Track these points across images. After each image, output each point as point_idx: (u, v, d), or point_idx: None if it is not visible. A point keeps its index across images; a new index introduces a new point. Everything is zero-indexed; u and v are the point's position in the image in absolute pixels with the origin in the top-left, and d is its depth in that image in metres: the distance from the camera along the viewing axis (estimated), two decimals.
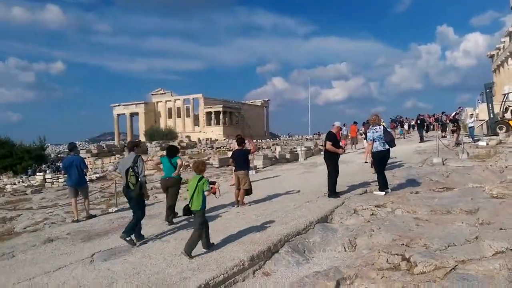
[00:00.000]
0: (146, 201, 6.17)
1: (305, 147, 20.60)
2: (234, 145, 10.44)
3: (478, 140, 17.30)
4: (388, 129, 9.60)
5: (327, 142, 7.89)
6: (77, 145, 10.53)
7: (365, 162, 12.96)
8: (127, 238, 5.61)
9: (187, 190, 5.29)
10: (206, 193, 5.00)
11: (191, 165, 21.70)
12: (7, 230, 8.67)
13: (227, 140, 46.44)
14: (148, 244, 5.61)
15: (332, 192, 7.84)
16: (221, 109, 65.17)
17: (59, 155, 51.69)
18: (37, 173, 27.54)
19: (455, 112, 24.95)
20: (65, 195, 14.20)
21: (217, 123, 65.18)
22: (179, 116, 68.53)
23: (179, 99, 69.05)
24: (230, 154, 13.39)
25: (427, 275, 3.83)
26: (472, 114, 21.34)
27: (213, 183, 5.24)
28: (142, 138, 56.47)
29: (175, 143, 34.63)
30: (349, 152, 17.67)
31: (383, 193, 7.72)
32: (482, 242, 4.38)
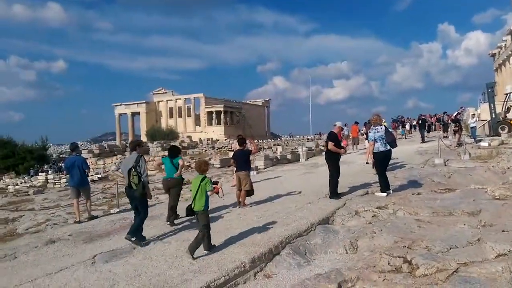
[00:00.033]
0: (148, 201, 6.19)
1: (306, 147, 20.58)
2: (235, 146, 10.43)
3: (480, 140, 17.25)
4: (389, 130, 9.59)
5: (329, 142, 7.87)
6: (79, 145, 10.53)
7: (367, 163, 12.94)
8: (132, 239, 5.66)
9: (190, 190, 5.30)
10: (209, 193, 5.02)
11: (192, 166, 21.75)
12: (10, 231, 8.68)
13: (228, 140, 46.44)
14: (149, 246, 5.62)
15: (334, 193, 7.82)
16: (222, 109, 65.21)
17: (61, 155, 51.73)
18: (39, 174, 27.58)
19: (456, 112, 24.92)
20: (67, 195, 14.22)
21: (218, 123, 65.21)
22: (180, 115, 68.61)
23: (180, 99, 69.12)
24: (231, 154, 13.38)
25: (429, 278, 3.82)
26: (474, 114, 21.25)
27: (216, 183, 5.27)
28: (143, 138, 56.51)
29: (177, 144, 34.67)
30: (350, 153, 17.64)
31: (385, 194, 7.71)
32: (485, 244, 4.37)
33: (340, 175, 8.07)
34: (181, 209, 7.34)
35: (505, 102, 21.40)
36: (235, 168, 8.51)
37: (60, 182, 21.79)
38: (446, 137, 20.90)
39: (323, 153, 11.90)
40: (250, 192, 7.93)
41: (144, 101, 70.78)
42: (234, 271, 4.32)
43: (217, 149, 36.96)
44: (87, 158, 29.87)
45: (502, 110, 21.10)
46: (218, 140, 51.53)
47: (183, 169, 7.54)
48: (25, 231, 8.32)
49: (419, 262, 4.09)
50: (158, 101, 71.09)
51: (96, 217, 8.54)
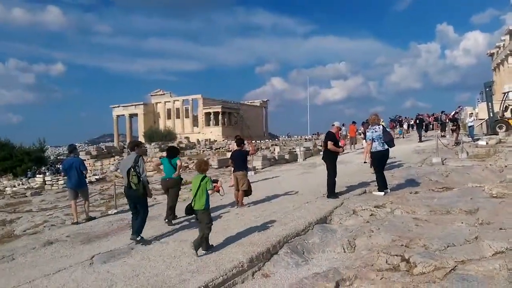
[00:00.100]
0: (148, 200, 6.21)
1: (304, 147, 20.60)
2: (233, 146, 10.45)
3: (477, 139, 17.30)
4: (387, 129, 9.60)
5: (329, 142, 7.87)
6: (77, 147, 10.51)
7: (364, 162, 12.96)
8: (138, 238, 5.71)
9: (190, 190, 5.32)
10: (209, 192, 5.05)
11: (190, 166, 21.72)
12: (7, 232, 8.65)
13: (226, 140, 46.43)
14: (147, 246, 5.60)
15: (331, 192, 7.83)
16: (220, 110, 65.18)
17: (58, 157, 51.67)
18: (37, 175, 27.52)
19: (454, 111, 24.99)
20: (64, 197, 14.19)
21: (216, 124, 65.18)
22: (178, 117, 68.54)
23: (178, 100, 69.05)
24: (229, 155, 13.39)
25: (426, 276, 3.83)
26: (472, 113, 21.35)
27: (216, 181, 5.30)
28: (141, 139, 56.47)
29: (175, 145, 34.63)
30: (348, 152, 17.66)
31: (382, 193, 7.72)
32: (482, 242, 4.38)
33: (338, 175, 8.08)
34: (179, 209, 7.36)
35: (503, 101, 21.50)
36: (233, 168, 8.51)
37: (57, 184, 21.70)
38: (444, 136, 20.96)
39: (321, 152, 11.91)
40: (248, 192, 7.93)
41: (142, 103, 70.68)
42: (232, 270, 4.31)
43: (215, 150, 36.92)
44: (85, 160, 29.78)
45: (499, 109, 21.20)
46: (216, 141, 51.50)
47: (181, 170, 7.56)
48: (22, 232, 8.30)
49: (416, 261, 4.10)
50: (156, 103, 71.02)
51: (94, 218, 8.53)
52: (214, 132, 63.03)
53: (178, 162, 7.29)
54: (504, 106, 21.30)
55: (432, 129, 29.16)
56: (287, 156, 19.43)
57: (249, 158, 9.25)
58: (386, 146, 7.94)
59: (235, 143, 9.11)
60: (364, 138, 13.21)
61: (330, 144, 7.84)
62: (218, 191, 5.45)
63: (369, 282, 3.86)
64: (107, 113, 73.29)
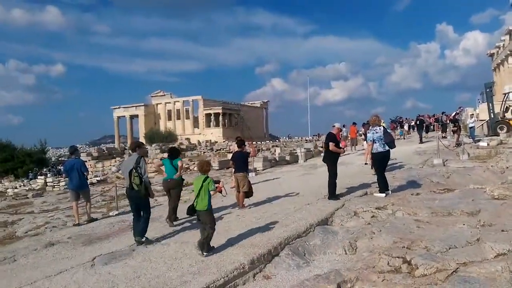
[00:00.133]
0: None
1: (304, 148, 20.61)
2: (234, 147, 10.45)
3: (478, 140, 17.28)
4: (388, 130, 9.60)
5: (330, 143, 7.86)
6: (78, 148, 10.53)
7: (365, 164, 12.95)
8: (143, 240, 5.76)
9: (192, 191, 5.35)
10: (212, 192, 5.07)
11: (191, 168, 21.72)
12: (9, 234, 8.66)
13: (227, 142, 46.45)
14: (148, 248, 5.61)
15: (332, 194, 7.83)
16: (220, 111, 65.22)
17: (60, 159, 51.77)
18: (38, 177, 27.55)
19: (455, 112, 24.94)
20: (66, 198, 14.21)
21: (217, 125, 65.22)
22: (178, 118, 68.60)
23: (178, 101, 69.11)
24: (230, 156, 13.37)
25: (428, 278, 3.82)
26: (473, 114, 21.33)
27: (218, 182, 5.32)
28: (142, 141, 56.44)
29: (175, 145, 34.65)
30: (348, 154, 17.64)
31: (384, 195, 7.71)
32: (484, 244, 4.37)
33: (339, 176, 8.07)
34: (180, 210, 7.37)
35: (504, 102, 21.46)
36: (233, 170, 8.52)
37: (59, 185, 21.75)
38: (444, 137, 20.94)
39: (322, 154, 11.91)
40: (249, 194, 7.93)
41: (142, 104, 70.76)
42: (233, 272, 4.32)
43: (215, 151, 36.95)
44: (86, 161, 29.83)
45: (500, 109, 21.15)
46: (217, 142, 51.56)
47: (182, 170, 7.60)
48: (24, 234, 8.30)
49: (418, 262, 4.09)
50: (157, 104, 71.10)
51: (96, 219, 8.55)
52: (215, 133, 63.06)
53: (179, 163, 7.33)
54: (505, 107, 21.26)
55: (433, 130, 29.12)
56: (288, 158, 19.43)
57: (249, 159, 9.25)
58: (387, 147, 7.93)
59: (235, 144, 9.12)
60: (365, 139, 13.20)
61: (331, 145, 7.83)
62: (220, 192, 5.51)
63: (370, 284, 3.86)
64: (108, 114, 73.48)
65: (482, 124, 23.12)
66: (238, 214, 7.35)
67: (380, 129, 8.06)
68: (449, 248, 4.46)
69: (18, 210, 13.08)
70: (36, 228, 8.73)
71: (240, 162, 8.07)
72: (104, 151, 43.49)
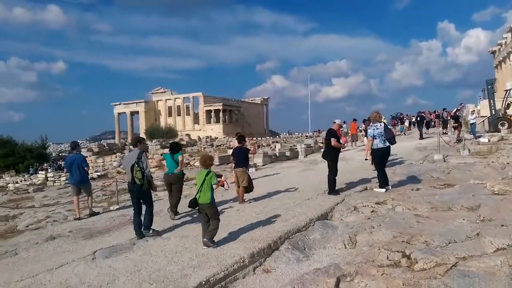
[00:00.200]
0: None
1: (305, 144, 20.62)
2: (234, 143, 10.46)
3: (479, 136, 17.26)
4: (389, 126, 9.58)
5: (332, 139, 7.86)
6: (79, 143, 10.55)
7: (365, 159, 12.95)
8: (150, 232, 5.89)
9: (195, 184, 5.41)
10: (214, 186, 5.13)
11: (191, 163, 21.73)
12: (10, 228, 8.70)
13: (227, 138, 46.43)
14: (149, 242, 5.63)
15: (332, 189, 7.84)
16: (221, 107, 65.14)
17: (60, 154, 51.81)
18: (39, 172, 27.62)
19: (456, 109, 24.88)
20: (66, 193, 14.25)
21: (217, 121, 65.15)
22: (179, 114, 68.54)
23: (179, 98, 69.03)
24: (230, 152, 13.39)
25: (427, 272, 3.83)
26: (474, 110, 21.28)
27: (220, 176, 5.38)
28: (142, 137, 56.41)
29: (177, 140, 34.66)
30: (349, 150, 17.65)
31: (384, 190, 7.72)
32: (483, 239, 4.38)
33: (339, 172, 8.08)
34: (181, 205, 7.39)
35: (505, 99, 21.42)
36: (234, 165, 8.54)
37: (59, 180, 21.82)
38: (445, 133, 20.91)
39: (322, 150, 11.91)
40: (249, 188, 7.94)
41: (143, 100, 70.72)
42: (233, 266, 4.33)
43: (216, 147, 36.96)
44: (87, 156, 29.87)
45: (502, 106, 21.11)
46: (217, 138, 51.52)
47: (183, 165, 7.65)
48: (25, 228, 8.34)
49: (417, 257, 4.10)
50: (157, 100, 71.02)
51: (98, 213, 8.60)
52: (215, 130, 63.02)
53: (180, 158, 7.39)
54: (506, 103, 21.21)
55: (434, 126, 29.07)
56: (288, 153, 19.44)
57: (250, 154, 9.28)
58: (387, 143, 7.92)
59: (236, 140, 9.13)
60: (366, 136, 13.19)
61: (333, 141, 7.83)
62: (223, 186, 5.60)
63: (370, 278, 3.87)
64: (108, 111, 73.48)
65: (483, 121, 23.08)
66: (238, 209, 7.36)
67: (381, 125, 8.06)
68: (449, 243, 4.46)
69: (19, 204, 13.12)
70: (37, 222, 8.76)
71: (241, 158, 8.09)
72: (104, 146, 43.51)
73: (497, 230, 4.63)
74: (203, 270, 4.23)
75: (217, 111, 65.43)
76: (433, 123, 29.53)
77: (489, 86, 21.03)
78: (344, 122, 21.27)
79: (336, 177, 7.94)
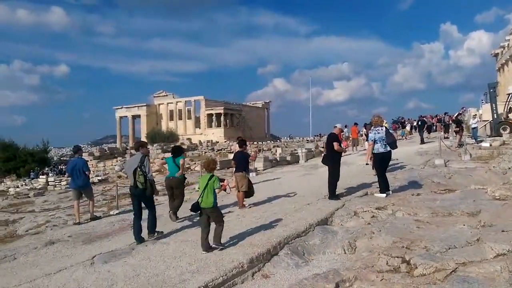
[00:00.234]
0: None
1: (305, 149, 20.59)
2: (235, 147, 10.47)
3: (481, 141, 17.20)
4: (390, 131, 9.56)
5: (335, 143, 7.82)
6: (82, 147, 10.61)
7: (366, 164, 12.91)
8: (155, 235, 6.01)
9: (195, 189, 5.45)
10: (217, 190, 5.17)
11: (192, 168, 21.72)
12: (10, 232, 8.70)
13: (228, 142, 46.46)
14: (148, 247, 5.62)
15: (333, 194, 7.81)
16: (222, 111, 65.21)
17: (62, 158, 51.94)
18: (40, 176, 27.67)
19: (457, 113, 24.85)
20: (67, 197, 14.27)
21: (218, 125, 65.19)
22: (180, 118, 68.68)
23: (180, 101, 69.20)
24: (231, 156, 13.38)
25: (427, 278, 3.81)
26: (476, 114, 21.18)
27: (223, 180, 5.45)
28: (144, 141, 56.44)
29: (179, 144, 34.67)
30: (350, 154, 17.62)
31: (384, 195, 7.69)
32: (484, 244, 4.35)
33: (340, 177, 8.06)
34: (180, 210, 7.39)
35: (507, 103, 21.34)
36: (234, 169, 8.54)
37: (60, 185, 21.83)
38: (447, 137, 20.85)
39: (323, 154, 11.89)
40: (249, 193, 7.93)
41: (145, 104, 70.94)
42: (232, 271, 4.31)
43: (216, 151, 36.98)
44: (88, 161, 29.90)
45: (504, 110, 21.03)
46: (218, 142, 51.52)
47: (184, 169, 7.69)
48: (25, 232, 8.34)
49: (417, 262, 4.08)
50: (159, 104, 71.23)
51: (100, 217, 8.61)
52: (216, 134, 63.05)
53: (181, 161, 7.42)
54: (509, 107, 21.14)
55: (435, 130, 29.02)
56: (288, 158, 19.43)
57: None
58: (388, 148, 7.89)
59: (237, 145, 9.15)
60: (367, 140, 13.16)
61: (336, 145, 7.80)
62: (225, 190, 5.63)
63: (369, 283, 3.85)
64: (110, 114, 73.75)
65: (485, 125, 23.00)
66: (238, 214, 7.35)
67: (382, 129, 8.02)
68: (449, 248, 4.44)
69: (19, 209, 13.13)
70: (36, 227, 8.77)
71: (242, 162, 8.08)
72: (106, 151, 43.53)
73: (498, 236, 4.60)
74: (202, 275, 4.22)
75: (218, 115, 65.51)
76: (434, 127, 29.49)
77: (491, 90, 20.96)
78: (346, 126, 21.27)
79: (337, 182, 7.92)
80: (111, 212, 9.28)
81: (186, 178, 8.03)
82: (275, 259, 4.83)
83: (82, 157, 9.03)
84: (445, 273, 3.81)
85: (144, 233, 6.03)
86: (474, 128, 18.43)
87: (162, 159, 13.11)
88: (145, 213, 6.17)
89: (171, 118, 69.43)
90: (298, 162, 18.68)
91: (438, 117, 31.28)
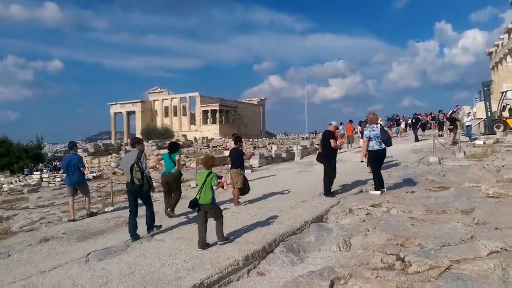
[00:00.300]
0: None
1: (301, 146, 20.63)
2: (231, 144, 10.47)
3: (475, 139, 17.32)
4: (385, 128, 9.59)
5: (331, 140, 7.82)
6: (77, 143, 10.55)
7: (361, 161, 12.96)
8: (154, 229, 6.07)
9: (191, 186, 5.46)
10: (214, 187, 5.21)
11: (187, 164, 21.68)
12: (4, 229, 8.64)
13: (223, 139, 46.40)
14: (143, 244, 5.61)
15: (328, 191, 7.84)
16: (217, 108, 65.09)
17: (56, 154, 51.59)
18: (34, 172, 27.48)
19: (452, 111, 25.00)
20: (61, 194, 14.18)
21: (214, 122, 65.09)
22: (175, 114, 68.45)
23: (175, 98, 68.96)
24: (226, 153, 13.36)
25: (421, 275, 3.84)
26: (470, 112, 21.33)
27: (220, 177, 5.48)
28: (140, 137, 56.22)
29: (175, 140, 34.58)
30: (345, 151, 17.68)
31: (379, 192, 7.73)
32: (477, 242, 4.39)
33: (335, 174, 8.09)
34: (176, 207, 7.37)
35: (501, 101, 21.51)
36: (230, 166, 8.53)
37: (54, 181, 21.71)
38: (441, 135, 20.98)
39: (318, 151, 11.91)
40: (245, 190, 7.93)
41: (139, 100, 70.61)
42: (227, 268, 4.32)
43: (212, 148, 36.94)
44: (82, 157, 29.75)
45: (498, 108, 21.20)
46: (213, 139, 51.48)
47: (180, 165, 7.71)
48: (19, 229, 8.29)
49: (411, 260, 4.11)
50: (154, 100, 70.92)
51: (96, 213, 8.58)
52: (212, 130, 62.97)
53: (177, 157, 7.44)
54: (502, 105, 21.31)
55: (430, 128, 29.18)
56: (284, 155, 19.45)
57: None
58: (383, 145, 7.92)
59: (232, 141, 9.14)
60: (362, 137, 13.19)
61: (333, 142, 7.81)
62: (222, 187, 5.68)
63: (364, 280, 3.87)
64: (105, 110, 73.63)
65: (479, 123, 23.17)
66: (233, 211, 7.35)
67: (377, 126, 8.05)
68: (443, 246, 4.47)
69: (13, 205, 13.04)
70: (31, 224, 8.71)
71: (237, 159, 8.08)
72: (100, 147, 43.33)
73: (491, 233, 4.64)
74: (197, 272, 4.22)
75: (213, 112, 65.37)
76: (429, 125, 29.65)
77: (485, 88, 21.09)
78: (341, 124, 21.33)
79: (332, 179, 7.94)
80: (106, 209, 9.24)
81: (182, 174, 8.05)
82: (270, 256, 4.84)
83: (77, 153, 8.98)
84: (439, 271, 3.84)
85: (140, 230, 6.01)
86: (468, 126, 18.56)
87: (157, 156, 13.07)
88: (141, 210, 6.16)
89: (166, 115, 69.17)
90: (294, 159, 18.71)
91: (432, 115, 31.49)
